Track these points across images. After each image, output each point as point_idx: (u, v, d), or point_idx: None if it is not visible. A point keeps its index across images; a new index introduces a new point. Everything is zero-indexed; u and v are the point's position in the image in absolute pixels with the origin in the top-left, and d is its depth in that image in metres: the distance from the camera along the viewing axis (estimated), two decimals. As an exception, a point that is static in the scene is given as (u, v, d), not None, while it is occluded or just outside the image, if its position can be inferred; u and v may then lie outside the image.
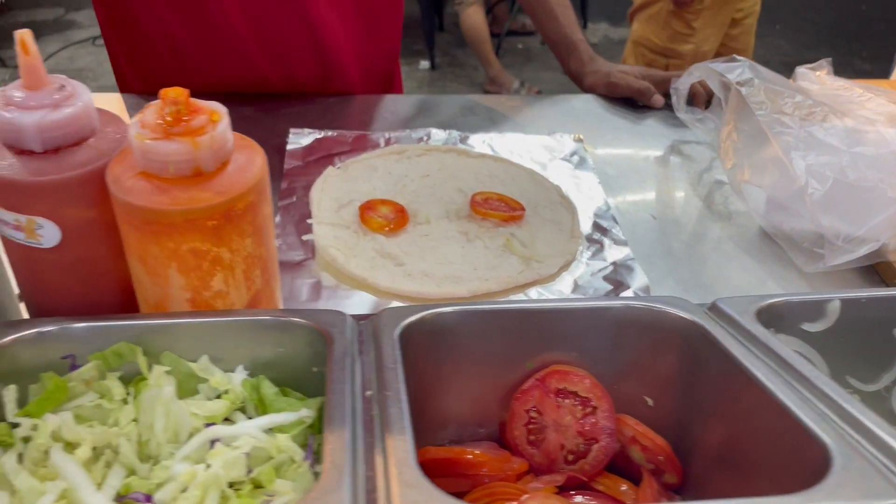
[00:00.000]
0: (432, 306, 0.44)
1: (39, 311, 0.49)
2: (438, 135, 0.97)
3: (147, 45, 0.98)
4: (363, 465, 0.33)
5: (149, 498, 0.38)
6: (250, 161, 0.44)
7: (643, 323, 0.45)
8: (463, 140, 0.97)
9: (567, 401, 0.45)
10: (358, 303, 0.71)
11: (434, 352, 0.43)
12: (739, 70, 0.86)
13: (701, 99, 1.02)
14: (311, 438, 0.41)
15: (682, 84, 0.97)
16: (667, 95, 1.03)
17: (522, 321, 0.45)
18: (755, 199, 0.84)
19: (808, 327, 0.47)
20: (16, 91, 0.43)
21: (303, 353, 0.43)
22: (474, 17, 3.80)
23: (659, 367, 0.46)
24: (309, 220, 0.80)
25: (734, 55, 0.89)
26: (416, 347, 0.42)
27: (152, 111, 0.42)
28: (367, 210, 0.81)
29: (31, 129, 0.42)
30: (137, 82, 1.04)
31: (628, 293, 0.72)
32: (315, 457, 0.40)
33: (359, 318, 0.45)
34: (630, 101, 1.09)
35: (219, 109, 0.43)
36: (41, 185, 0.42)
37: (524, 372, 0.46)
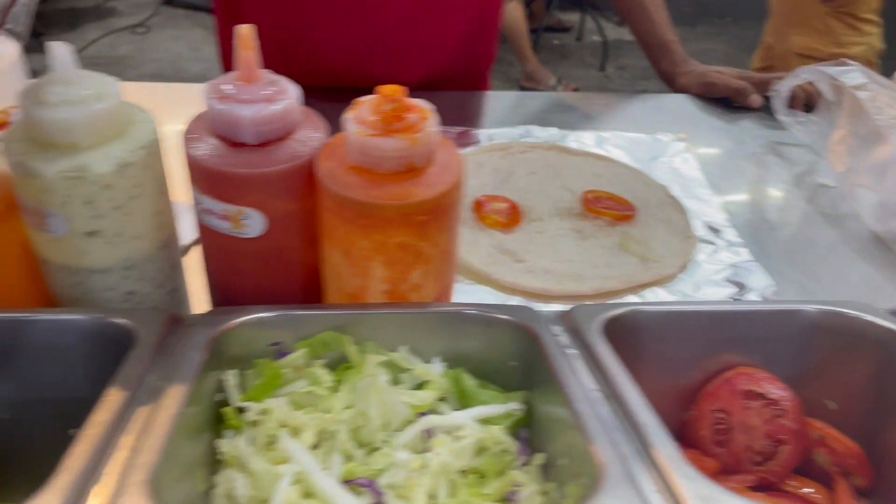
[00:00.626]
0: (627, 304, 0.45)
1: (225, 300, 0.50)
2: (538, 132, 0.98)
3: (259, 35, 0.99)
4: (631, 458, 0.33)
5: (372, 483, 0.39)
6: (451, 157, 0.45)
7: (834, 328, 0.46)
8: (563, 138, 0.97)
9: (754, 403, 0.46)
10: (482, 297, 0.71)
11: (626, 349, 0.44)
12: (853, 73, 0.86)
13: (800, 101, 1.02)
14: (522, 431, 0.42)
15: (785, 86, 0.97)
16: (765, 97, 1.03)
17: (713, 323, 0.45)
18: (869, 203, 0.84)
19: None
20: (228, 85, 0.44)
21: (501, 347, 0.44)
22: (513, 12, 3.79)
23: (847, 371, 0.46)
24: (426, 215, 0.81)
25: (843, 58, 0.89)
26: (612, 344, 0.43)
27: (367, 108, 0.43)
28: (481, 206, 0.82)
29: (247, 122, 0.43)
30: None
31: (752, 295, 0.72)
32: (528, 448, 0.40)
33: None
34: (723, 102, 1.09)
35: (426, 107, 0.44)
36: (254, 178, 0.43)
37: (708, 373, 0.47)
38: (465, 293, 0.72)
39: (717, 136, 1.02)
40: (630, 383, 0.38)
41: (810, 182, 0.94)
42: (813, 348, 0.46)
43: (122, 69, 3.75)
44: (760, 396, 0.46)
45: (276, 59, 0.99)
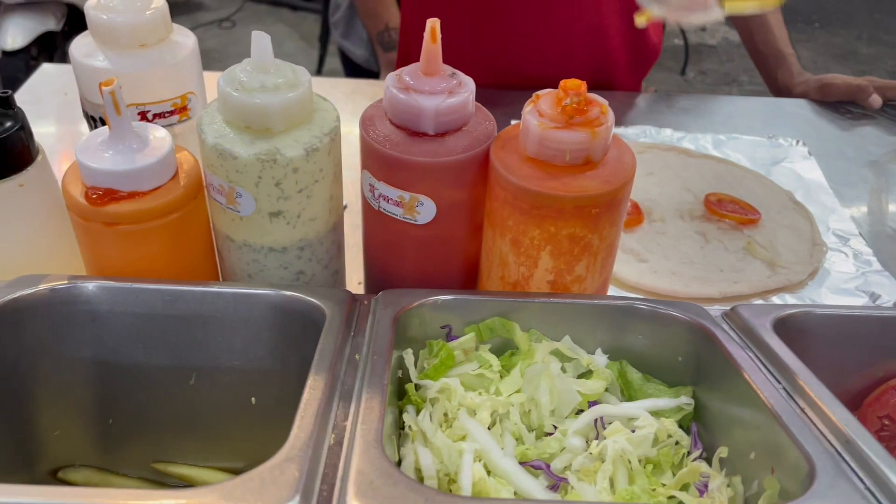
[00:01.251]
0: (797, 306, 0.45)
1: (382, 283, 0.52)
2: (653, 132, 0.97)
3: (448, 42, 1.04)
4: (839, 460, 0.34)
5: (548, 466, 0.40)
6: (623, 152, 0.46)
7: None
8: (679, 140, 0.97)
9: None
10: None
11: (793, 350, 0.44)
12: None
13: (927, 109, 0.98)
14: (694, 426, 0.42)
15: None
16: (887, 100, 1.01)
17: (883, 328, 0.45)
18: None
19: None
20: (410, 76, 0.46)
21: (669, 342, 0.44)
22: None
23: None
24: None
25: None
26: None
27: (547, 101, 0.44)
28: (603, 204, 0.82)
29: (430, 113, 0.45)
30: None
31: (885, 301, 0.71)
32: (700, 442, 0.41)
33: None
34: (844, 109, 1.06)
35: (604, 102, 0.45)
36: (431, 166, 0.45)
37: (874, 379, 0.46)
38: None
39: (837, 143, 0.99)
40: (816, 380, 0.38)
41: (940, 192, 0.91)
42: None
43: (207, 62, 3.86)
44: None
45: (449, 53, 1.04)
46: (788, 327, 0.44)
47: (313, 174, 0.46)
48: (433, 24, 0.44)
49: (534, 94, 0.45)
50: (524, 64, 1.03)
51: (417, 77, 0.46)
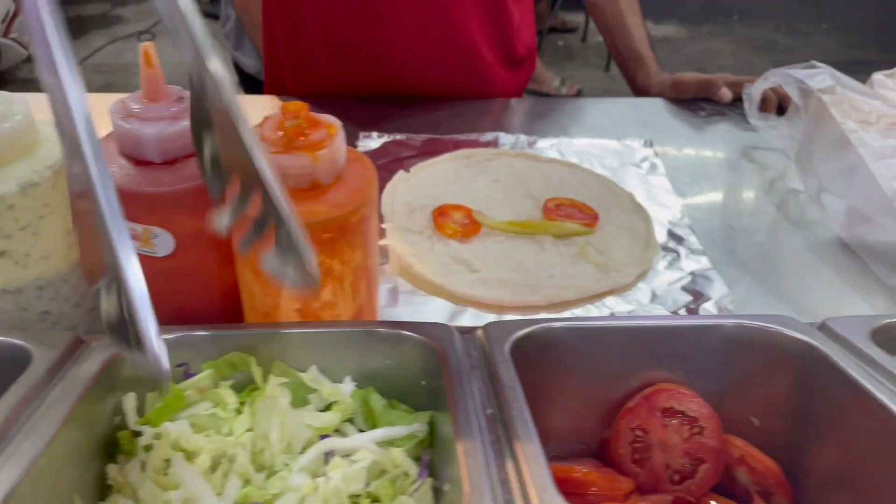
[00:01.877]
0: (541, 321, 0.44)
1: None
2: (506, 139, 0.97)
3: (309, 47, 1.01)
4: (500, 486, 0.33)
5: (268, 508, 0.38)
6: (362, 174, 0.45)
7: (754, 342, 0.44)
8: (531, 144, 0.96)
9: (674, 420, 0.45)
10: (435, 309, 0.71)
11: (541, 366, 0.43)
12: (820, 77, 0.84)
13: (771, 104, 1.00)
14: (426, 453, 0.41)
15: (756, 89, 0.95)
16: (738, 99, 1.02)
17: (630, 338, 0.44)
18: (834, 209, 0.82)
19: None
20: (135, 102, 0.44)
21: (411, 365, 0.43)
22: (516, 14, 3.78)
23: (768, 387, 0.45)
24: (382, 225, 0.80)
25: (813, 61, 0.88)
26: (524, 362, 0.42)
27: (271, 124, 0.43)
28: (440, 215, 0.81)
29: (152, 140, 0.43)
30: (293, 83, 1.06)
31: (710, 304, 0.71)
32: (429, 472, 0.40)
33: (461, 330, 0.45)
34: (697, 106, 1.07)
35: (334, 123, 0.44)
36: (160, 196, 0.43)
37: (628, 389, 0.46)
38: (418, 305, 0.71)
39: (690, 141, 1.00)
40: (523, 404, 0.37)
41: (782, 187, 0.92)
42: (733, 364, 0.45)
43: (126, 76, 3.79)
44: (680, 414, 0.45)
45: (352, 74, 1.02)
46: (532, 344, 0.43)
47: (35, 210, 0.44)
48: (145, 49, 0.42)
49: (262, 118, 0.44)
50: (388, 73, 1.02)
51: (141, 103, 0.44)
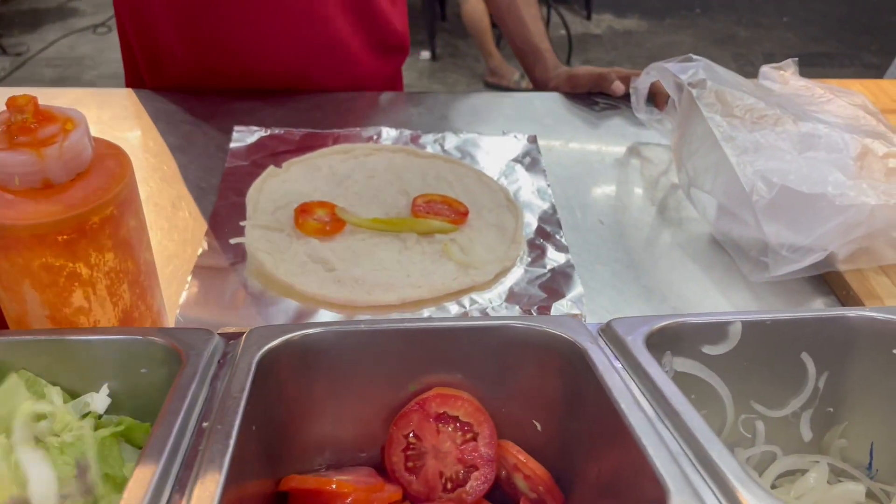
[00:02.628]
0: (300, 327, 0.42)
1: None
2: (389, 133, 0.95)
3: (162, 38, 0.97)
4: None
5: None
6: (113, 171, 0.42)
7: (528, 344, 0.43)
8: (414, 139, 0.94)
9: (447, 426, 0.43)
10: (283, 309, 0.69)
11: (306, 374, 0.41)
12: (693, 70, 0.83)
13: (663, 98, 0.99)
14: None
15: (642, 83, 0.94)
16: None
17: (404, 341, 0.43)
18: (706, 205, 0.81)
19: (709, 350, 0.44)
20: None
21: (164, 375, 0.41)
22: (476, 8, 3.77)
23: (545, 390, 0.44)
24: (242, 223, 0.78)
25: (690, 54, 0.86)
26: (284, 370, 0.40)
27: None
28: (302, 213, 0.79)
29: None
30: (150, 77, 1.03)
31: (563, 302, 0.70)
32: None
33: (229, 335, 0.43)
34: (593, 102, 1.06)
35: (74, 117, 0.41)
36: None
37: (407, 394, 0.44)
38: (264, 306, 0.69)
39: (578, 135, 0.99)
40: (235, 417, 0.35)
41: (665, 183, 0.91)
42: (511, 367, 0.43)
43: (80, 70, 3.73)
44: (454, 419, 0.43)
45: (212, 66, 0.99)
46: (308, 348, 0.41)
47: None
48: None
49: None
50: (248, 64, 0.99)
51: None
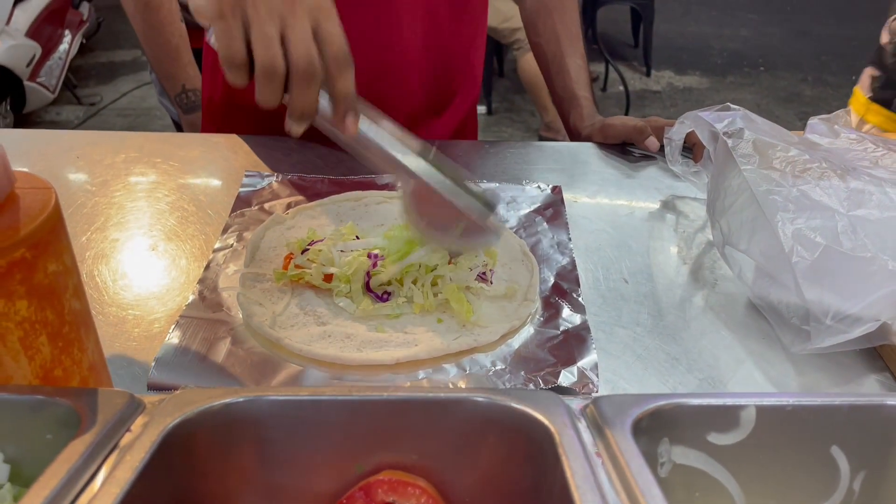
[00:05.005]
0: (224, 394, 0.37)
1: None
2: (406, 182, 0.90)
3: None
4: None
5: None
6: (28, 210, 0.39)
7: (492, 423, 0.36)
8: (432, 188, 0.89)
9: (395, 515, 0.37)
10: (266, 367, 0.64)
11: (229, 449, 0.35)
12: (730, 119, 0.76)
13: (700, 150, 0.92)
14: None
15: (676, 133, 0.87)
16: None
17: (350, 414, 0.37)
18: (742, 265, 0.73)
19: (716, 439, 0.37)
20: None
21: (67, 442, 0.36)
22: (531, 64, 3.78)
23: (512, 479, 0.37)
24: (237, 271, 0.74)
25: (728, 103, 0.79)
26: (201, 444, 0.35)
27: None
28: (291, 260, 0.74)
29: None
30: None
31: (573, 369, 0.63)
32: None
33: (152, 400, 0.38)
34: (626, 152, 1.00)
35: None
36: None
37: (352, 477, 0.38)
38: (249, 362, 0.64)
39: (611, 187, 0.92)
40: (118, 497, 0.30)
41: (700, 240, 0.83)
42: (474, 448, 0.37)
43: (148, 120, 3.89)
44: (403, 509, 0.37)
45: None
46: (232, 420, 0.35)
47: None
48: None
49: None
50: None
51: None
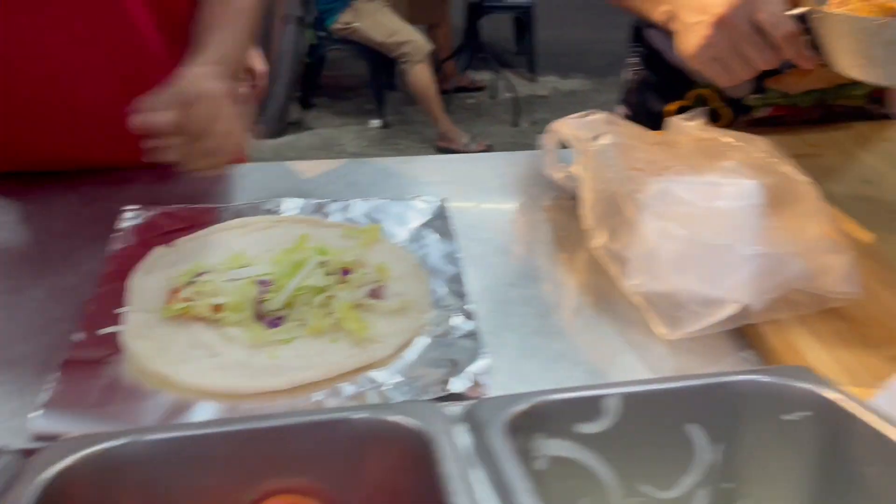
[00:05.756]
0: (104, 438, 0.36)
1: None
2: (291, 204, 0.91)
3: None
4: None
5: None
6: None
7: (373, 437, 0.38)
8: (319, 209, 0.90)
9: (288, 539, 0.38)
10: (158, 406, 0.62)
11: (111, 496, 0.35)
12: (594, 124, 0.81)
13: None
14: None
15: (548, 142, 0.92)
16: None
17: (235, 445, 0.37)
18: (619, 262, 0.78)
19: (584, 429, 0.40)
20: None
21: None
22: (421, 75, 3.83)
23: (401, 491, 0.38)
24: (121, 310, 0.72)
25: (593, 109, 0.85)
26: (80, 494, 0.34)
27: None
28: (175, 294, 0.73)
29: None
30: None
31: (465, 375, 0.65)
32: None
33: (30, 451, 0.37)
34: (513, 161, 1.04)
35: None
36: None
37: (244, 504, 0.38)
38: (137, 401, 0.62)
39: (495, 195, 0.96)
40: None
41: (578, 241, 0.87)
42: (363, 464, 0.38)
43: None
44: (297, 533, 0.38)
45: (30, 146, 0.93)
46: (113, 463, 0.35)
47: None
48: None
49: None
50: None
51: None
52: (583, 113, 0.83)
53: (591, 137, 0.79)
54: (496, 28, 4.83)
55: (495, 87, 4.44)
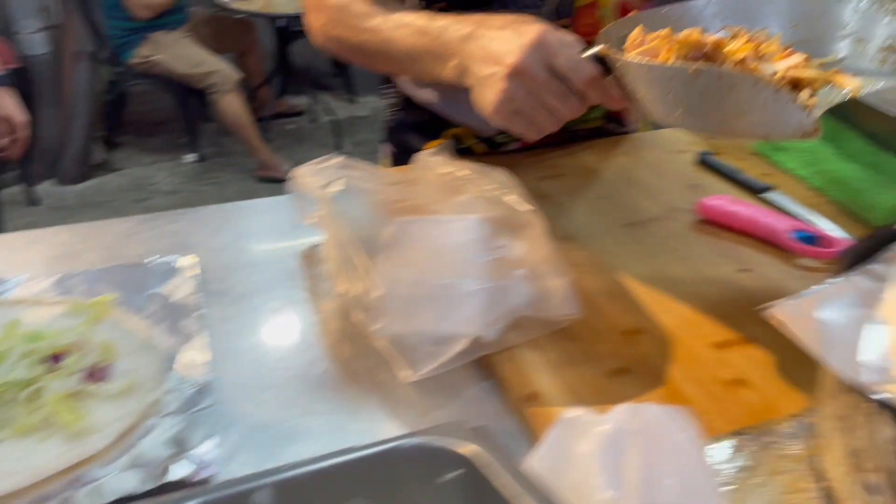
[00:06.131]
0: None
1: None
2: (12, 283, 0.82)
3: None
4: None
5: None
6: None
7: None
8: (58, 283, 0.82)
9: None
10: None
11: None
12: (328, 170, 0.80)
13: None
14: None
15: (296, 187, 0.89)
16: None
17: None
18: (359, 307, 0.77)
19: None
20: None
21: None
22: (233, 105, 3.71)
23: None
24: None
25: (332, 154, 0.83)
26: None
27: None
28: None
29: None
30: None
31: (189, 458, 0.61)
32: None
33: None
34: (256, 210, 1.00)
35: None
36: None
37: None
38: None
39: (246, 240, 0.92)
40: None
41: (329, 290, 0.86)
42: None
43: None
44: None
45: None
46: None
47: None
48: None
49: None
50: None
51: None
52: (320, 159, 0.82)
53: (324, 185, 0.78)
54: (312, 51, 4.78)
55: (314, 111, 4.39)
